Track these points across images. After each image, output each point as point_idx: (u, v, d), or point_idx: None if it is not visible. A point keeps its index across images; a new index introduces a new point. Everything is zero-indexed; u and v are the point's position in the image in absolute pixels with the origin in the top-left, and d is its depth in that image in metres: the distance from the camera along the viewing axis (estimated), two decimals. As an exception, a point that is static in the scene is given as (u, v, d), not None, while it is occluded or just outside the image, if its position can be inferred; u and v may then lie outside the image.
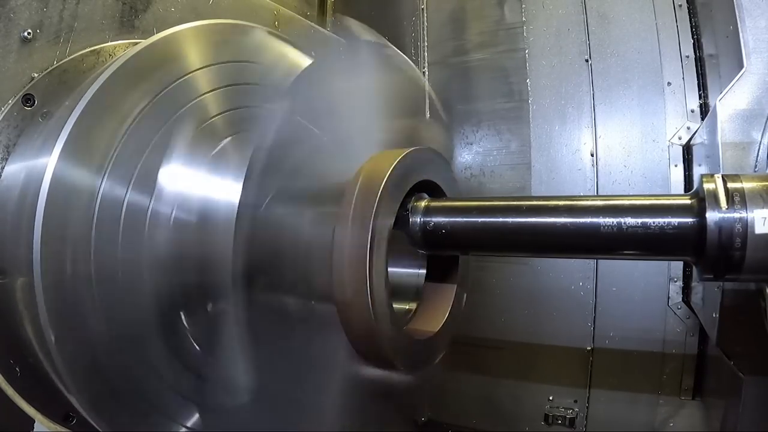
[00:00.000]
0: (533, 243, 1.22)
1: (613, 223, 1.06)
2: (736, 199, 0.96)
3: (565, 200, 1.18)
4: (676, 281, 2.14)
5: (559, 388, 2.34)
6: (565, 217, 1.13)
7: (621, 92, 2.26)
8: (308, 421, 1.22)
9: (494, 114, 2.51)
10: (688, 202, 1.05)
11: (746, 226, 0.95)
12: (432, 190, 1.43)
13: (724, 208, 0.96)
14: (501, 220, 1.22)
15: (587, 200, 1.18)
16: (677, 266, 2.14)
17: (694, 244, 1.02)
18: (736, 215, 0.96)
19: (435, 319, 1.51)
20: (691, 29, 2.17)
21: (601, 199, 1.17)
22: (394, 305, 1.35)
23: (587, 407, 2.29)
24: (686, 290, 2.13)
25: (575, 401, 2.30)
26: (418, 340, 1.41)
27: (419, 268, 1.60)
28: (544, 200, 1.23)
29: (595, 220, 1.09)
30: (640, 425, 2.20)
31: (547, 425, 2.33)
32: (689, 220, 1.02)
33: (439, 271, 1.57)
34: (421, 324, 1.50)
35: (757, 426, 1.47)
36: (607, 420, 2.26)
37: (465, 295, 1.55)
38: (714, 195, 0.98)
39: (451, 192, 1.48)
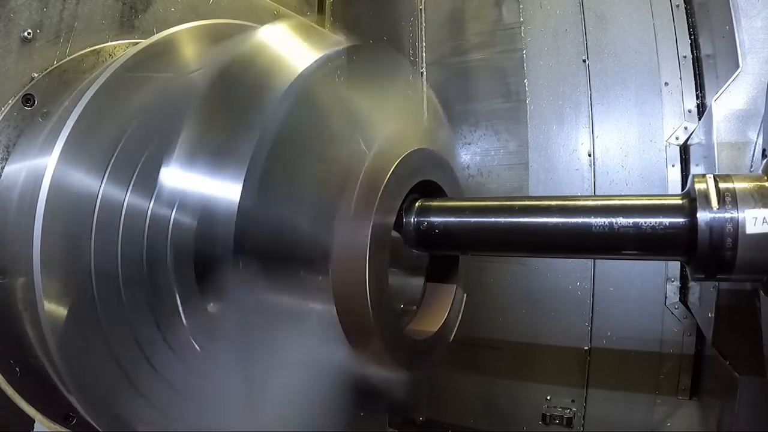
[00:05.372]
0: (526, 243, 1.23)
1: (604, 223, 1.07)
2: (727, 199, 0.96)
3: (558, 200, 1.18)
4: (673, 281, 2.14)
5: (556, 387, 2.34)
6: (557, 217, 1.14)
7: (618, 92, 2.26)
8: (304, 420, 1.23)
9: (492, 114, 2.52)
10: (680, 202, 1.05)
11: (737, 226, 0.95)
12: (434, 190, 1.44)
13: (715, 208, 0.97)
14: (494, 220, 1.23)
15: (579, 200, 1.18)
16: (674, 266, 2.15)
17: (685, 244, 1.02)
18: (727, 215, 0.96)
19: (435, 319, 1.51)
20: (689, 29, 2.17)
21: (593, 199, 1.17)
22: (395, 305, 1.36)
23: (585, 407, 2.29)
24: (683, 290, 2.13)
25: (573, 401, 2.31)
26: (417, 340, 1.42)
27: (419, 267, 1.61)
28: (536, 200, 1.24)
29: (586, 220, 1.09)
30: (638, 425, 2.20)
31: (545, 425, 2.33)
32: (680, 220, 1.03)
33: (439, 271, 1.58)
34: (421, 324, 1.51)
35: (753, 426, 1.47)
36: (605, 420, 2.27)
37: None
38: (705, 195, 0.99)
39: (453, 193, 1.48)
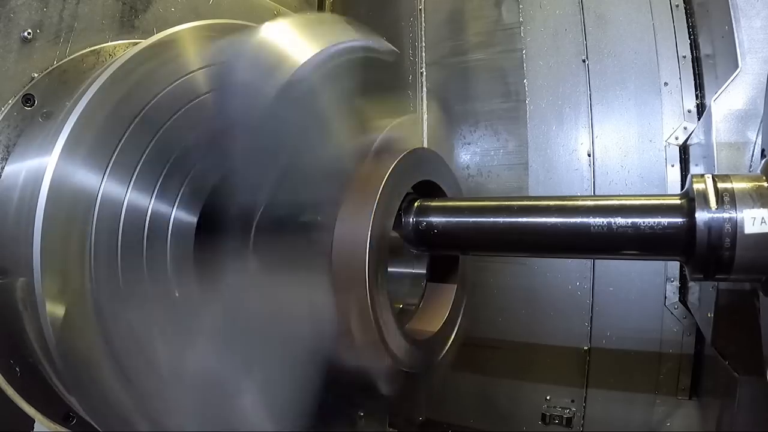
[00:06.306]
0: (525, 243, 1.23)
1: (603, 223, 1.07)
2: (726, 199, 0.96)
3: (557, 200, 1.19)
4: (672, 281, 2.14)
5: (556, 387, 2.34)
6: (555, 217, 1.14)
7: (618, 92, 2.26)
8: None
9: (492, 114, 2.52)
10: (678, 202, 1.06)
11: (735, 226, 0.95)
12: (434, 190, 1.44)
13: (713, 208, 0.97)
14: (492, 220, 1.23)
15: (578, 200, 1.19)
16: (674, 266, 2.15)
17: (683, 244, 1.02)
18: (726, 215, 0.96)
19: (435, 319, 1.52)
20: (688, 29, 2.17)
21: (591, 200, 1.17)
22: (395, 305, 1.36)
23: (584, 407, 2.29)
24: (683, 290, 2.13)
25: (572, 401, 2.31)
26: (417, 340, 1.42)
27: (420, 267, 1.61)
28: (535, 200, 1.24)
29: (585, 220, 1.10)
30: (637, 425, 2.20)
31: (545, 425, 2.33)
32: (679, 220, 1.03)
33: (440, 272, 1.58)
34: (421, 324, 1.51)
35: (752, 426, 1.47)
36: (604, 420, 2.27)
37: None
38: (703, 195, 0.99)
39: (453, 192, 1.49)
